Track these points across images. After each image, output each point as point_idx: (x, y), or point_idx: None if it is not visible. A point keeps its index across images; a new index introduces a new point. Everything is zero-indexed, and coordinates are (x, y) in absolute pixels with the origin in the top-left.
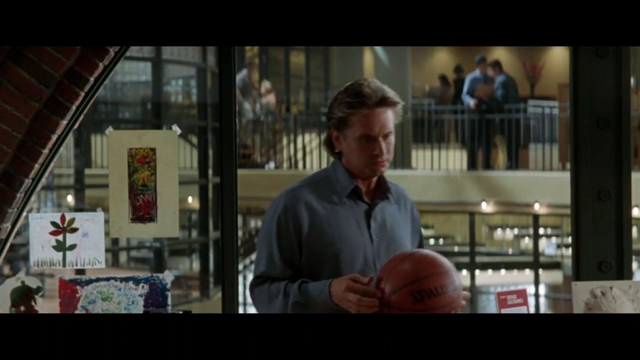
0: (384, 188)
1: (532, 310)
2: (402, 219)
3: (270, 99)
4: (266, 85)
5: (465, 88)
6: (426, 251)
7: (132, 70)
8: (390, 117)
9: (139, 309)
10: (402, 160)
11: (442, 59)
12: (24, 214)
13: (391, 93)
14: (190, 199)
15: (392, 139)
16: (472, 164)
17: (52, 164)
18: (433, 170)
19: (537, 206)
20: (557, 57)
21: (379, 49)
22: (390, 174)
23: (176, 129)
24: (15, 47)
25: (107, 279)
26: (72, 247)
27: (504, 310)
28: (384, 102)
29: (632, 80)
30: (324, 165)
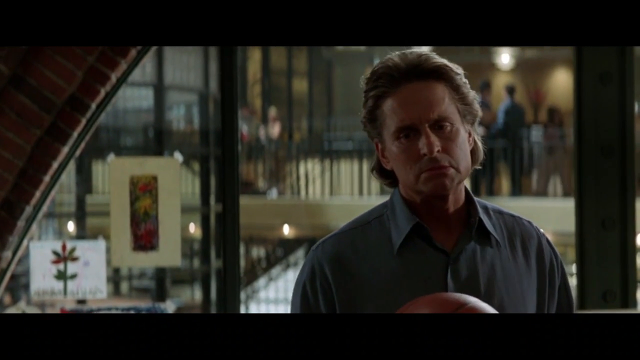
0: (473, 221)
1: None
2: (516, 270)
3: (275, 126)
4: (272, 112)
5: None
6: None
7: (134, 96)
8: (441, 95)
9: None
10: None
11: None
12: (25, 242)
13: (436, 58)
14: (192, 228)
15: (457, 131)
16: (475, 191)
17: (53, 192)
18: None
19: None
20: (561, 83)
21: None
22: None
23: (178, 156)
24: (17, 73)
25: (109, 309)
26: (73, 276)
27: None
28: (425, 71)
29: (636, 107)
30: (327, 194)
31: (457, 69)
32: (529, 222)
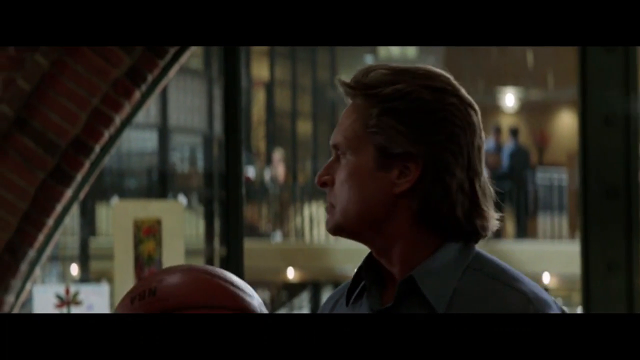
0: (402, 281)
1: None
2: None
3: (279, 168)
4: (276, 154)
5: None
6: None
7: (138, 138)
8: (351, 117)
9: None
10: None
11: None
12: (28, 286)
13: (368, 73)
14: None
15: (348, 163)
16: None
17: (56, 235)
18: None
19: (546, 276)
20: (566, 125)
21: None
22: None
23: (182, 199)
24: (21, 116)
25: None
26: None
27: None
28: (349, 88)
29: None
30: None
31: (394, 84)
32: (528, 299)
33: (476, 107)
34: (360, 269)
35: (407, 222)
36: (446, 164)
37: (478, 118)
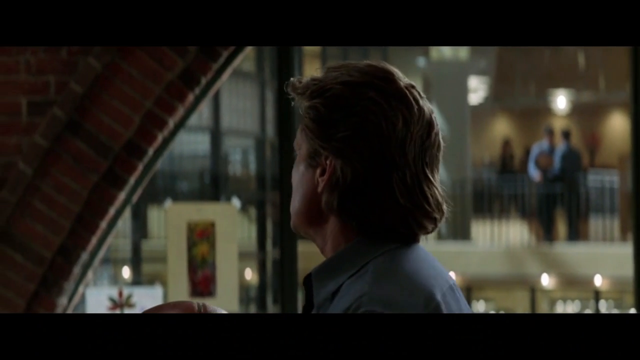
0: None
1: None
2: None
3: None
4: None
5: (531, 158)
6: None
7: (190, 141)
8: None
9: None
10: (462, 233)
11: (501, 127)
12: (80, 289)
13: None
14: (248, 274)
15: (297, 163)
16: (532, 237)
17: (109, 238)
18: (493, 244)
19: (598, 279)
20: (617, 127)
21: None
22: (450, 249)
23: (236, 202)
24: (73, 119)
25: None
26: None
27: None
28: None
29: None
30: None
31: (317, 82)
32: (361, 294)
33: (411, 100)
34: None
35: (333, 220)
36: (359, 160)
37: (412, 111)
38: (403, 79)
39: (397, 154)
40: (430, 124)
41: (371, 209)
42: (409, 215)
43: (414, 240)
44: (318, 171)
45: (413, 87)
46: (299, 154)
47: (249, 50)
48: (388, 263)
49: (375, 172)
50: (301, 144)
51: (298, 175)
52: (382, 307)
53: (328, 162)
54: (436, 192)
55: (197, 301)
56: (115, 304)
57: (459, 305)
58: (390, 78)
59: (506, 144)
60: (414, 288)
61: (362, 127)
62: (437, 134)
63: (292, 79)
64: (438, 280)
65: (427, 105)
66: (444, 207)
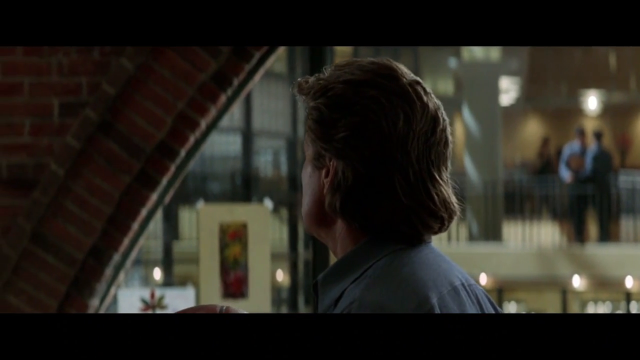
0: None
1: None
2: None
3: None
4: None
5: (562, 159)
6: None
7: (222, 142)
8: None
9: None
10: (494, 234)
11: (533, 128)
12: (112, 290)
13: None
14: (279, 275)
15: (305, 165)
16: (564, 238)
17: (141, 239)
18: (525, 245)
19: (629, 280)
20: None
21: (468, 119)
22: (481, 250)
23: (268, 203)
24: (106, 119)
25: None
26: None
27: None
28: None
29: None
30: None
31: (321, 81)
32: (353, 300)
33: (413, 96)
34: None
35: (340, 222)
36: (360, 160)
37: (414, 108)
38: (407, 75)
39: (399, 153)
40: (435, 120)
41: (373, 209)
42: (413, 215)
43: (420, 240)
44: (323, 172)
45: (418, 83)
46: (307, 155)
47: (280, 51)
48: (387, 266)
49: (376, 172)
50: (308, 148)
51: (306, 177)
52: (371, 312)
53: (331, 163)
54: (443, 190)
55: (221, 304)
56: (147, 305)
57: (461, 308)
58: (393, 75)
59: (545, 142)
60: (408, 292)
61: (362, 127)
62: (443, 130)
63: (299, 79)
64: (438, 282)
65: (433, 101)
66: (453, 205)
